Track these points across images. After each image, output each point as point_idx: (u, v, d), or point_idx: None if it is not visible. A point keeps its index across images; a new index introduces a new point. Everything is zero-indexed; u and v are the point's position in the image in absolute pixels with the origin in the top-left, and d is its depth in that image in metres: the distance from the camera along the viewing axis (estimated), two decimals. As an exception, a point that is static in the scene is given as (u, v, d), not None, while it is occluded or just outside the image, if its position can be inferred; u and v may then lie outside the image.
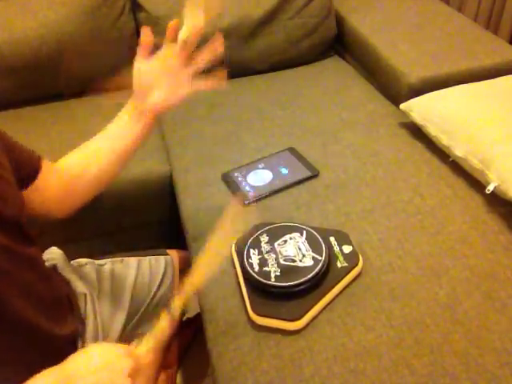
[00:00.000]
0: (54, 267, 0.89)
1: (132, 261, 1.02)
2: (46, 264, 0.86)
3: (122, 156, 0.79)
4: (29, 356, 0.63)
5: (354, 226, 0.96)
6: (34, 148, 1.29)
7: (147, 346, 0.64)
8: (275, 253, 0.85)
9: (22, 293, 0.66)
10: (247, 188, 1.07)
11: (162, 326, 0.65)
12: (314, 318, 0.79)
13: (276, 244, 0.87)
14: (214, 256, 0.68)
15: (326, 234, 0.90)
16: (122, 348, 0.60)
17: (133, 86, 0.74)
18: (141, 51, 0.72)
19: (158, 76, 0.73)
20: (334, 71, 1.57)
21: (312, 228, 0.90)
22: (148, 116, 0.76)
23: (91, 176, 0.79)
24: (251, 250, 0.86)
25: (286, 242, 0.87)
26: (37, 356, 0.60)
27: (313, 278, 0.80)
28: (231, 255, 0.91)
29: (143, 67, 0.73)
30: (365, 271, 0.87)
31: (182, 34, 0.70)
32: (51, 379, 0.57)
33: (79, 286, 0.89)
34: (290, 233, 0.89)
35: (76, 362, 0.58)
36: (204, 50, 0.72)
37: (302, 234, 0.89)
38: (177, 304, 0.67)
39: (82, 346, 0.81)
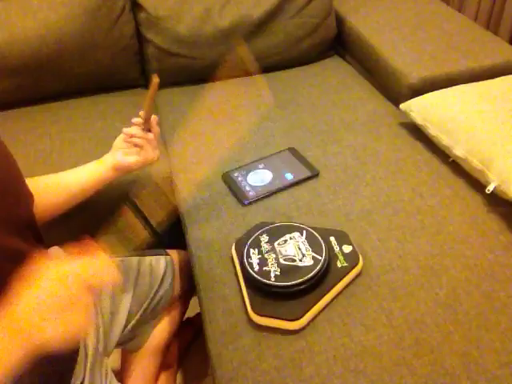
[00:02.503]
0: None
1: (133, 261, 1.02)
2: None
3: (79, 193, 0.89)
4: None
5: (354, 226, 0.96)
6: (34, 148, 1.29)
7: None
8: (275, 252, 0.85)
9: None
10: (247, 188, 1.07)
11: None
12: (314, 317, 0.79)
13: (276, 244, 0.87)
14: None
15: (326, 233, 0.90)
16: (71, 268, 0.53)
17: (113, 146, 0.90)
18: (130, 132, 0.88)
19: (130, 145, 0.89)
20: (334, 71, 1.57)
21: (312, 228, 0.90)
22: (112, 170, 0.89)
23: (49, 202, 0.85)
24: (251, 250, 0.86)
25: (285, 241, 0.87)
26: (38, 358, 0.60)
27: (313, 277, 0.80)
28: (231, 255, 0.91)
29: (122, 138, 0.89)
30: (365, 271, 0.87)
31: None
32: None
33: None
34: (290, 232, 0.89)
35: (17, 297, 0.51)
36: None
37: (302, 234, 0.89)
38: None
39: (84, 347, 0.81)
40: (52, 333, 0.50)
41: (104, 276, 0.55)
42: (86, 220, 1.27)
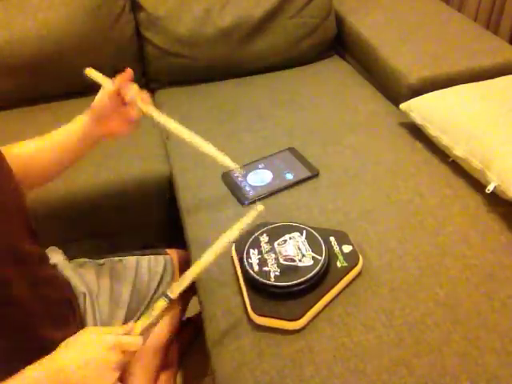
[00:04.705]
0: (54, 266, 0.89)
1: (131, 260, 1.02)
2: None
3: (65, 158, 0.87)
4: (25, 355, 0.63)
5: (354, 225, 0.96)
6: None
7: (143, 324, 0.66)
8: (275, 252, 0.85)
9: (30, 294, 0.66)
10: (247, 188, 1.07)
11: (159, 307, 0.68)
12: (314, 317, 0.79)
13: (276, 244, 0.87)
14: (213, 252, 0.72)
15: (325, 233, 0.90)
16: (112, 337, 0.63)
17: (94, 104, 0.83)
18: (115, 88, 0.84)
19: (112, 111, 0.84)
20: (334, 71, 1.57)
21: (312, 228, 0.90)
22: (93, 137, 0.86)
23: (39, 166, 0.85)
24: (251, 250, 0.86)
25: (285, 241, 0.87)
26: (33, 354, 0.61)
27: (312, 277, 0.80)
28: (231, 255, 0.91)
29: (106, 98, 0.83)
30: (365, 271, 0.86)
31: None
32: (42, 372, 0.60)
33: (79, 286, 0.89)
34: (290, 232, 0.89)
35: (66, 354, 0.62)
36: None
37: (301, 234, 0.89)
38: (174, 290, 0.68)
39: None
40: None
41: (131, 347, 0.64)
42: (83, 221, 1.27)
